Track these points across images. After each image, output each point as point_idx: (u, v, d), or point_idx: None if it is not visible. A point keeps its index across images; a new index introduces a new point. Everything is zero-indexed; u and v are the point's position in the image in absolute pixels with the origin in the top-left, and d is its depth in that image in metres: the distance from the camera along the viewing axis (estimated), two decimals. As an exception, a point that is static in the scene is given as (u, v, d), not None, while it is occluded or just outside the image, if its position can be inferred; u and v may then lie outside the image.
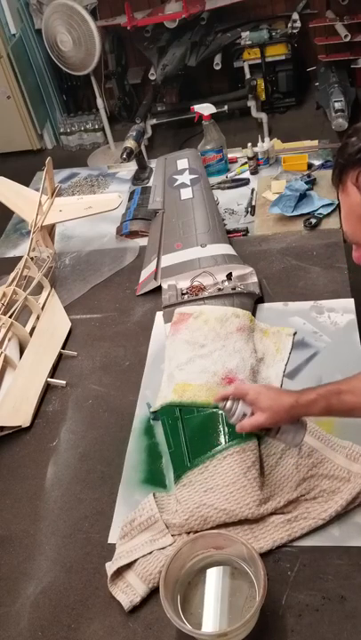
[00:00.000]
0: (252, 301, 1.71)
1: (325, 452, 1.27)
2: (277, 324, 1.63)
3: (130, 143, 2.38)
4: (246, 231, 2.04)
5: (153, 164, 2.45)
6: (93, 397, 1.56)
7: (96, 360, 1.67)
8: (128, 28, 4.09)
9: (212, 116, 2.37)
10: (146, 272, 1.91)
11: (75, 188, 2.52)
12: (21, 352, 1.64)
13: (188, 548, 1.11)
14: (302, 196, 2.01)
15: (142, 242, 2.07)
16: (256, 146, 2.31)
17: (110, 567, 1.16)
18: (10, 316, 1.63)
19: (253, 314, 1.68)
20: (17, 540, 1.28)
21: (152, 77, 4.18)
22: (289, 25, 4.22)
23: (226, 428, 1.34)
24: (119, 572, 1.16)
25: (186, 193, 2.11)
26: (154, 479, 1.33)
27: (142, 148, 2.59)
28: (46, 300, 1.81)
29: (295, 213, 1.99)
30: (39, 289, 1.83)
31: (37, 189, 2.05)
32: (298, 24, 4.18)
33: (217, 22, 4.44)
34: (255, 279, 1.76)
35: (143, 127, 2.98)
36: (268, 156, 2.33)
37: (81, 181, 2.56)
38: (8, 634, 1.13)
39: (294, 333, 1.60)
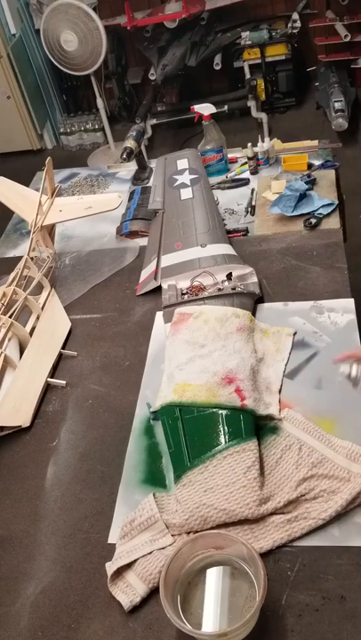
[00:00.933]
0: (252, 301, 1.71)
1: (325, 452, 1.27)
2: (277, 324, 1.63)
3: (130, 143, 2.38)
4: (246, 231, 2.04)
5: (153, 163, 2.44)
6: (93, 397, 1.56)
7: (96, 360, 1.67)
8: (128, 28, 4.09)
9: (212, 115, 2.37)
10: (146, 272, 1.91)
11: (75, 188, 2.52)
12: (21, 352, 1.64)
13: (188, 548, 1.11)
14: (302, 196, 2.01)
15: (142, 242, 2.07)
16: (256, 146, 2.31)
17: (110, 567, 1.16)
18: (10, 316, 1.63)
19: (253, 314, 1.68)
20: (17, 539, 1.28)
21: (152, 77, 4.18)
22: (289, 25, 4.22)
23: (226, 428, 1.34)
24: (119, 572, 1.16)
25: (186, 193, 2.11)
26: (154, 479, 1.33)
27: (142, 147, 2.58)
28: (46, 299, 1.81)
29: (295, 213, 1.99)
30: (39, 289, 1.83)
31: (37, 189, 2.05)
32: (298, 24, 4.18)
33: (217, 22, 4.44)
34: (255, 279, 1.76)
35: (143, 127, 2.98)
36: (268, 155, 2.33)
37: (81, 181, 2.56)
38: (8, 634, 1.13)
39: (294, 333, 1.60)
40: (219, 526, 1.19)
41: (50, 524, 1.29)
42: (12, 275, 1.78)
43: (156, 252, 1.93)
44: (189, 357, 1.52)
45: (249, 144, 2.30)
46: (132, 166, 2.53)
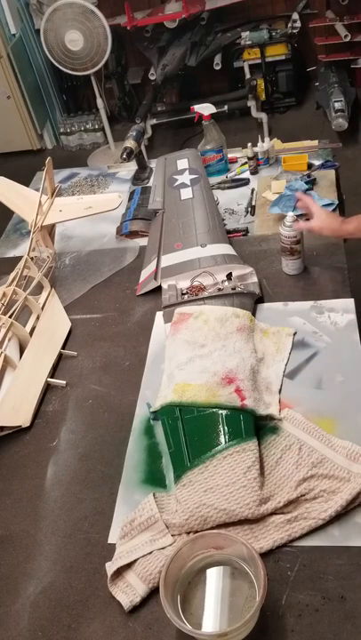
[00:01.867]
0: (252, 301, 1.71)
1: (325, 452, 1.27)
2: (277, 324, 1.63)
3: (130, 143, 2.38)
4: (246, 231, 2.04)
5: (153, 163, 2.45)
6: (93, 397, 1.56)
7: (96, 360, 1.67)
8: (128, 28, 4.09)
9: (212, 115, 2.37)
10: (146, 272, 1.91)
11: (75, 188, 2.52)
12: (21, 352, 1.64)
13: (188, 548, 1.11)
14: (302, 196, 2.00)
15: (142, 242, 2.07)
16: (256, 146, 2.31)
17: (110, 567, 1.16)
18: (10, 316, 1.63)
19: (253, 314, 1.68)
20: (17, 539, 1.28)
21: (152, 77, 4.18)
22: (289, 25, 4.22)
23: (226, 428, 1.34)
24: (119, 572, 1.16)
25: (186, 193, 2.11)
26: (154, 479, 1.33)
27: (142, 147, 2.59)
28: (46, 299, 1.81)
29: (295, 213, 1.98)
30: (39, 289, 1.83)
31: (37, 189, 2.05)
32: (298, 24, 4.18)
33: (217, 22, 4.44)
34: (255, 279, 1.76)
35: (143, 127, 2.98)
36: (268, 155, 2.33)
37: (81, 181, 2.56)
38: (8, 634, 1.13)
39: (294, 333, 1.60)
40: (219, 526, 1.19)
41: (50, 524, 1.29)
42: (12, 275, 1.78)
43: (156, 252, 1.93)
44: (189, 357, 1.52)
45: (249, 144, 2.30)
46: (132, 166, 2.53)
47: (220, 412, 1.38)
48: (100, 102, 4.33)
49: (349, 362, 1.48)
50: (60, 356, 1.70)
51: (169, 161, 2.31)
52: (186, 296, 1.76)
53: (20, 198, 2.10)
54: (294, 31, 4.20)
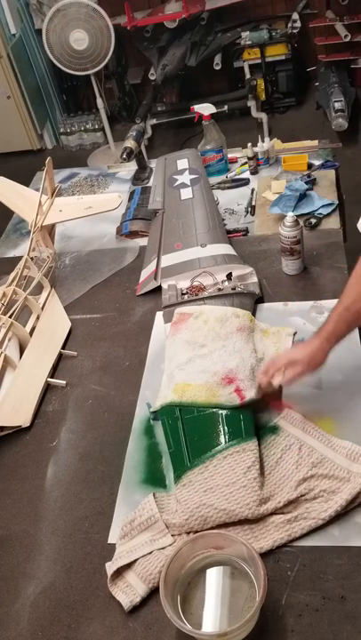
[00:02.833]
0: (252, 301, 1.71)
1: (325, 452, 1.27)
2: (277, 324, 1.63)
3: (130, 143, 2.38)
4: (246, 231, 2.04)
5: (153, 164, 2.44)
6: (93, 397, 1.56)
7: (96, 360, 1.67)
8: (128, 28, 4.09)
9: (212, 115, 2.37)
10: (146, 272, 1.91)
11: (75, 188, 2.52)
12: (21, 352, 1.64)
13: (188, 548, 1.11)
14: (302, 196, 2.01)
15: (142, 242, 2.07)
16: (256, 146, 2.31)
17: (110, 567, 1.16)
18: (10, 316, 1.63)
19: (253, 314, 1.68)
20: (17, 539, 1.28)
21: (152, 77, 4.18)
22: (289, 25, 4.22)
23: (226, 428, 1.34)
24: (119, 572, 1.16)
25: (186, 193, 2.11)
26: (154, 479, 1.33)
27: (142, 147, 2.58)
28: (46, 299, 1.81)
29: (295, 213, 1.98)
30: (39, 289, 1.83)
31: (37, 189, 2.05)
32: (298, 24, 4.17)
33: (217, 22, 4.44)
34: (255, 279, 1.76)
35: (143, 127, 2.98)
36: (268, 155, 2.33)
37: (81, 181, 2.56)
38: (8, 634, 1.13)
39: (294, 333, 1.60)
40: (219, 526, 1.19)
41: (50, 524, 1.29)
42: (12, 275, 1.78)
43: (156, 252, 1.93)
44: (189, 357, 1.52)
45: (249, 144, 2.30)
46: (132, 166, 2.53)
47: (220, 412, 1.38)
48: (100, 102, 4.33)
49: (349, 362, 1.48)
50: (60, 356, 1.70)
51: (169, 161, 2.31)
52: (186, 296, 1.76)
53: (20, 198, 2.10)
54: (294, 31, 4.19)
